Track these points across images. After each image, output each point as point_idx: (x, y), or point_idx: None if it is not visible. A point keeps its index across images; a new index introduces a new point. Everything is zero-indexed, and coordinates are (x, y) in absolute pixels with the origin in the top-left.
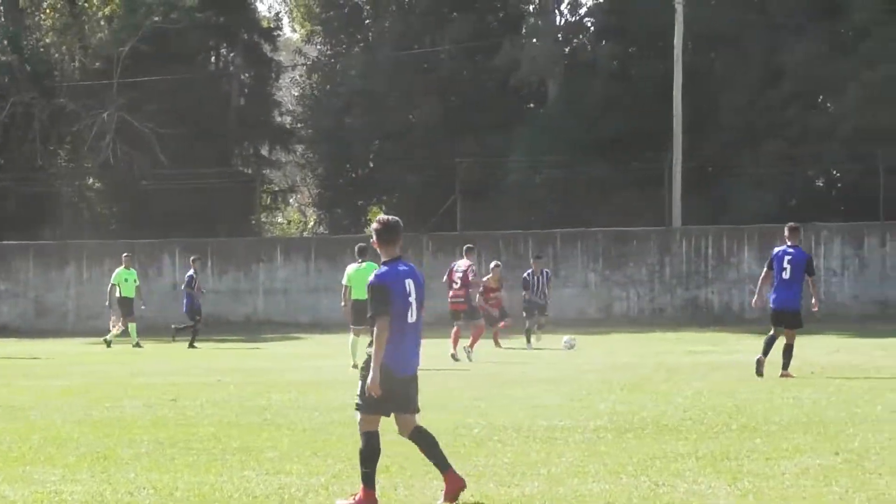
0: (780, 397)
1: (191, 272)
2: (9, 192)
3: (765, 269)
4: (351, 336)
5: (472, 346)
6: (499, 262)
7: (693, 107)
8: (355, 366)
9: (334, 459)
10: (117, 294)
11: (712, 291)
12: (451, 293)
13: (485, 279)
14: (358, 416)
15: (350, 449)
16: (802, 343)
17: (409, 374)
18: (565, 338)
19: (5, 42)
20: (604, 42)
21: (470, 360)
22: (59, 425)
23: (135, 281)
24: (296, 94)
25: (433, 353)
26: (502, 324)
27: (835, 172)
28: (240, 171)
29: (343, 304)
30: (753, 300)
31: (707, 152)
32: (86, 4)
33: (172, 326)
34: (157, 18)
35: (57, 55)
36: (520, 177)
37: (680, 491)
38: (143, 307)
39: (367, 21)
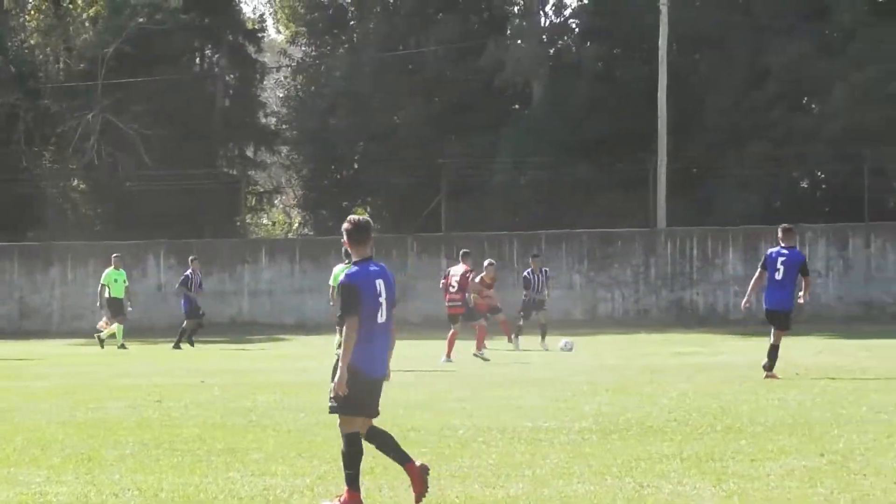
0: (765, 398)
1: (187, 272)
2: None
3: (758, 270)
4: (337, 337)
5: (479, 347)
6: (493, 261)
7: (678, 108)
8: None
9: (319, 461)
10: (107, 294)
11: (697, 293)
12: (447, 297)
13: (478, 277)
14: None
15: (335, 450)
16: (787, 344)
17: (379, 375)
18: (562, 341)
19: None
20: (588, 43)
21: (486, 360)
22: (44, 426)
23: (124, 281)
24: (280, 95)
25: (416, 354)
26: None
27: (819, 174)
28: (225, 172)
29: (331, 303)
30: (743, 301)
31: (692, 153)
32: (70, 6)
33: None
34: (141, 20)
35: (41, 56)
36: (505, 178)
37: (665, 492)
38: (129, 308)
39: (352, 22)
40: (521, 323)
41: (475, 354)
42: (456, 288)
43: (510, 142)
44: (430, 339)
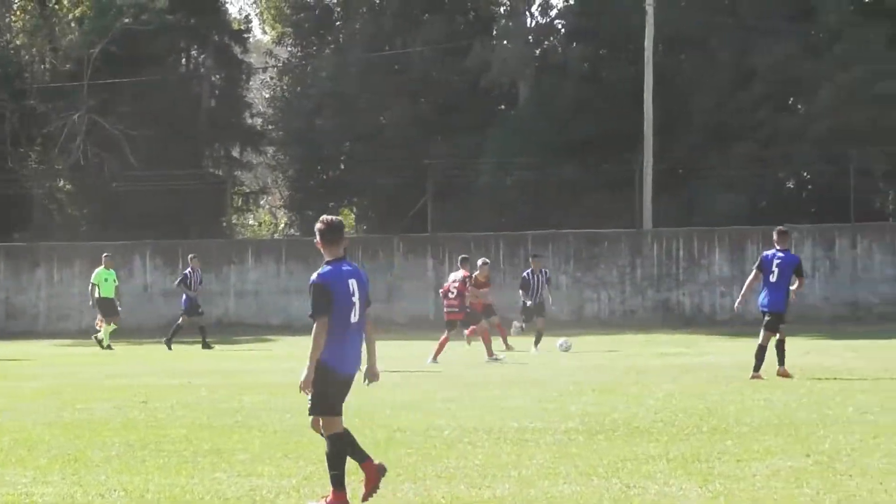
0: (750, 399)
1: (187, 270)
2: None
3: (753, 272)
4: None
5: (489, 349)
6: (487, 260)
7: (664, 109)
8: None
9: (305, 461)
10: (97, 294)
11: (683, 293)
12: (446, 303)
13: (472, 276)
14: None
15: (321, 451)
16: (773, 346)
17: (351, 373)
18: (560, 340)
19: None
20: (574, 44)
21: (500, 360)
22: (30, 427)
23: (114, 281)
24: (266, 95)
25: (403, 354)
26: (471, 329)
27: (805, 174)
28: (211, 172)
29: None
30: (737, 302)
31: (678, 154)
32: (56, 6)
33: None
34: (127, 20)
35: (27, 57)
36: (491, 178)
37: (651, 493)
38: (119, 308)
39: (338, 23)
40: (522, 326)
41: (488, 361)
42: (454, 294)
43: (496, 142)
44: (417, 339)
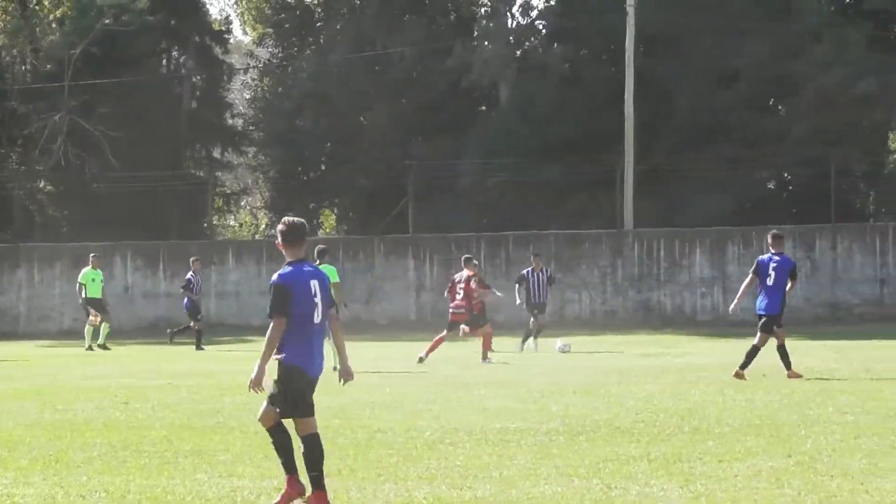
0: (732, 400)
1: (189, 274)
2: None
3: (749, 276)
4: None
5: (486, 352)
6: (475, 261)
7: (645, 109)
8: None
9: None
10: (84, 294)
11: (664, 294)
12: (453, 304)
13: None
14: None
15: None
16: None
17: (316, 376)
18: (559, 343)
19: None
20: (555, 45)
21: (493, 363)
22: (11, 428)
23: (101, 281)
24: (247, 96)
25: (383, 355)
26: (465, 330)
27: (786, 175)
28: (192, 173)
29: None
30: (732, 305)
31: (659, 155)
32: (37, 7)
33: (168, 330)
34: (108, 21)
35: (8, 58)
36: (472, 179)
37: (632, 493)
38: (107, 308)
39: (319, 24)
40: (537, 323)
41: (481, 363)
42: (462, 294)
43: (477, 143)
44: (397, 340)
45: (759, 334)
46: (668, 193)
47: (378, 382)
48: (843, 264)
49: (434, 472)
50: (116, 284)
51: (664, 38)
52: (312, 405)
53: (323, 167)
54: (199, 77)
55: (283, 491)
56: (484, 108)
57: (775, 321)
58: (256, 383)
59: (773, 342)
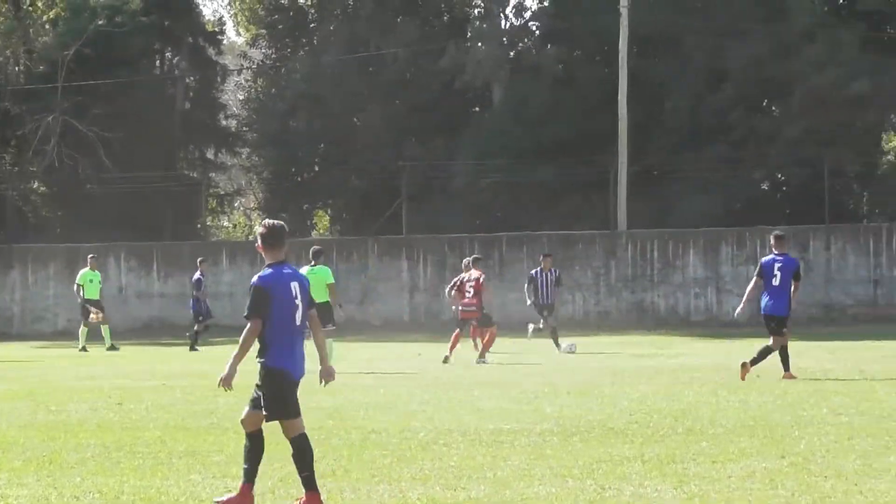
0: (725, 401)
1: (198, 275)
2: None
3: (754, 279)
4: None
5: (484, 352)
6: (470, 259)
7: (638, 110)
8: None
9: (281, 463)
10: (82, 294)
11: (658, 295)
12: (463, 302)
13: (456, 279)
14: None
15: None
16: (748, 347)
17: (300, 376)
18: (564, 344)
19: None
20: (549, 46)
21: (487, 363)
22: (4, 429)
23: (99, 282)
24: (241, 97)
25: (377, 356)
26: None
27: (780, 175)
28: (185, 174)
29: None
30: (738, 309)
31: (652, 156)
32: (30, 8)
33: (188, 335)
34: (101, 22)
35: (1, 59)
36: (465, 180)
37: (626, 494)
38: (103, 309)
39: (312, 25)
40: (548, 325)
41: (478, 362)
42: (472, 293)
43: (471, 144)
44: (391, 341)
45: (772, 339)
46: (661, 194)
47: (372, 383)
48: (836, 265)
49: (428, 473)
50: (110, 285)
51: (657, 39)
52: (299, 406)
53: (316, 168)
54: (192, 78)
55: (232, 494)
56: (477, 109)
57: (784, 322)
58: (226, 381)
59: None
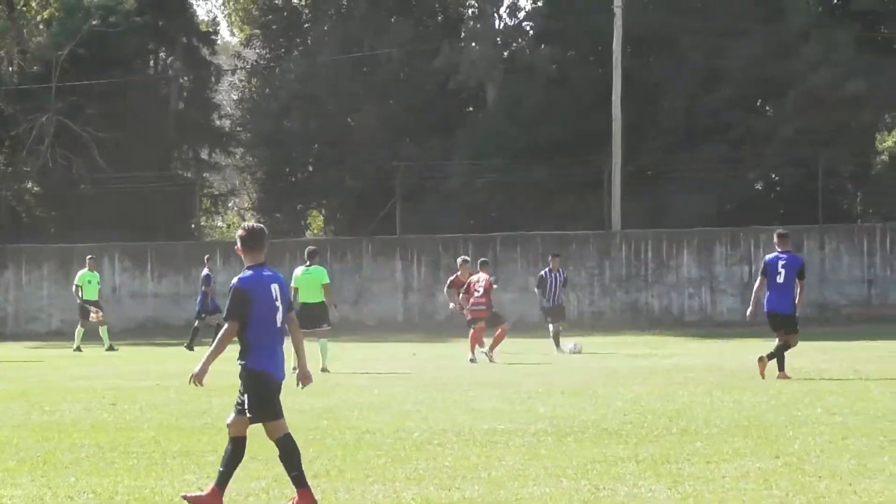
0: (720, 401)
1: (206, 271)
2: None
3: (759, 278)
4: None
5: (493, 348)
6: (467, 258)
7: (632, 110)
8: (294, 369)
9: (274, 463)
10: (80, 295)
11: (652, 295)
12: (472, 301)
13: (451, 277)
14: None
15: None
16: (742, 347)
17: (282, 378)
18: (570, 344)
19: None
20: (543, 46)
21: (492, 362)
22: None
23: (98, 283)
24: (235, 97)
25: (371, 356)
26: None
27: (774, 176)
28: (179, 174)
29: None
30: (749, 312)
31: (646, 156)
32: (24, 8)
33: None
34: (95, 22)
35: None
36: (459, 180)
37: (620, 494)
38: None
39: (307, 25)
40: (551, 328)
41: (486, 354)
42: (480, 293)
43: (465, 144)
44: (385, 341)
45: (785, 336)
46: (655, 194)
47: (366, 383)
48: (830, 265)
49: (422, 473)
50: (104, 285)
51: (651, 39)
52: (281, 408)
53: (311, 168)
54: (186, 78)
55: (202, 492)
56: (471, 109)
57: (794, 320)
58: (197, 377)
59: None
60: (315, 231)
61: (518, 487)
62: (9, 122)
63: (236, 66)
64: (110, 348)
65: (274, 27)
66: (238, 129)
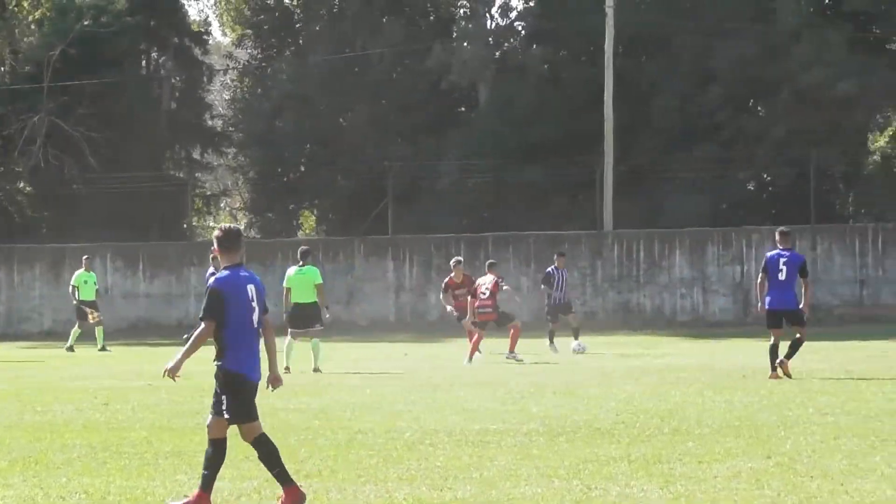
0: (711, 401)
1: (212, 270)
2: None
3: (760, 276)
4: (287, 339)
5: (512, 348)
6: (460, 258)
7: (624, 110)
8: (287, 369)
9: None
10: (77, 295)
11: (644, 295)
12: (478, 304)
13: (446, 279)
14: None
15: (282, 452)
16: (734, 347)
17: (258, 379)
18: (574, 343)
19: None
20: (534, 46)
21: (519, 361)
22: None
23: (94, 283)
24: (227, 97)
25: (363, 356)
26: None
27: (766, 176)
28: (171, 174)
29: (284, 308)
30: (758, 307)
31: (638, 156)
32: (15, 8)
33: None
34: (87, 22)
35: None
36: (451, 180)
37: (612, 494)
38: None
39: (298, 25)
40: (551, 326)
41: (508, 356)
42: (487, 294)
43: (457, 144)
44: (378, 341)
45: (797, 330)
46: (647, 194)
47: (358, 384)
48: (822, 265)
49: (414, 473)
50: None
51: (644, 39)
52: (256, 409)
53: (303, 168)
54: (178, 78)
55: (188, 498)
56: (463, 109)
57: (801, 314)
58: (171, 371)
59: (776, 344)
60: (307, 231)
61: (510, 487)
62: (0, 122)
63: (228, 66)
64: (103, 349)
65: (266, 27)
66: (230, 129)
